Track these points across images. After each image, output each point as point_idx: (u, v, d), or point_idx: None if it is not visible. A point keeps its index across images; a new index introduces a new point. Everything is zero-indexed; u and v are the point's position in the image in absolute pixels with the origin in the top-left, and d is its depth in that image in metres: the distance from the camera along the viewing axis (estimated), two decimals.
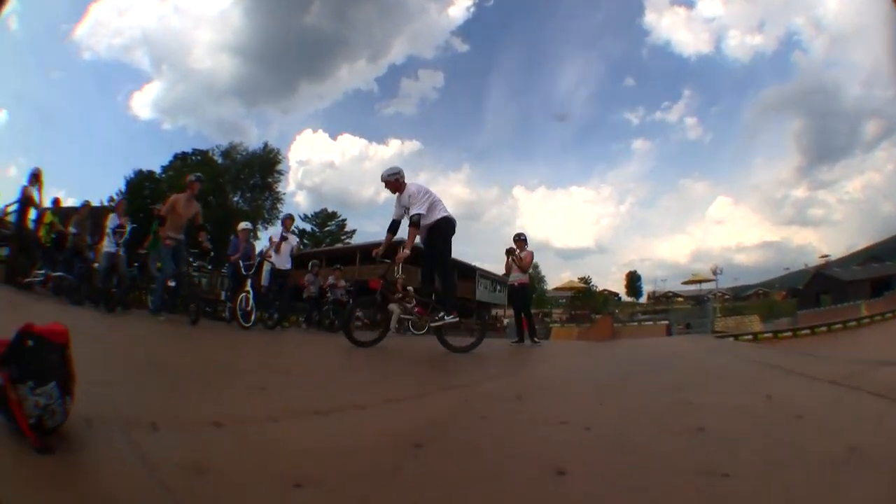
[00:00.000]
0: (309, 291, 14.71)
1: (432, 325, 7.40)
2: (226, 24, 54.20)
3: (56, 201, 13.47)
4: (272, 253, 11.99)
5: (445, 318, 7.43)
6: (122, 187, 39.18)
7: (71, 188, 61.49)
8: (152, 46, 55.12)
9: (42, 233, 12.39)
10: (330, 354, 6.80)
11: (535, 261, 11.77)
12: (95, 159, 55.78)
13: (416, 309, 8.05)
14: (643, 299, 59.15)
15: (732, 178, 57.01)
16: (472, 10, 54.29)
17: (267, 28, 54.92)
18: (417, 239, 7.84)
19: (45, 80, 50.33)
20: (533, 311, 14.28)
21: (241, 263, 11.09)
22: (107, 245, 10.94)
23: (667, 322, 25.91)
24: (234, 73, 56.63)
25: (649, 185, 58.31)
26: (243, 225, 12.11)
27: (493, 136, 60.93)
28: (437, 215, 7.64)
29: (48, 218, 12.64)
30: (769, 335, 14.56)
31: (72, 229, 12.01)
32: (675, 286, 53.76)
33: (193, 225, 10.13)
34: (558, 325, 28.10)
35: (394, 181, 7.81)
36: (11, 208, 15.42)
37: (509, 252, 11.44)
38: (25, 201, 12.04)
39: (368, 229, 66.47)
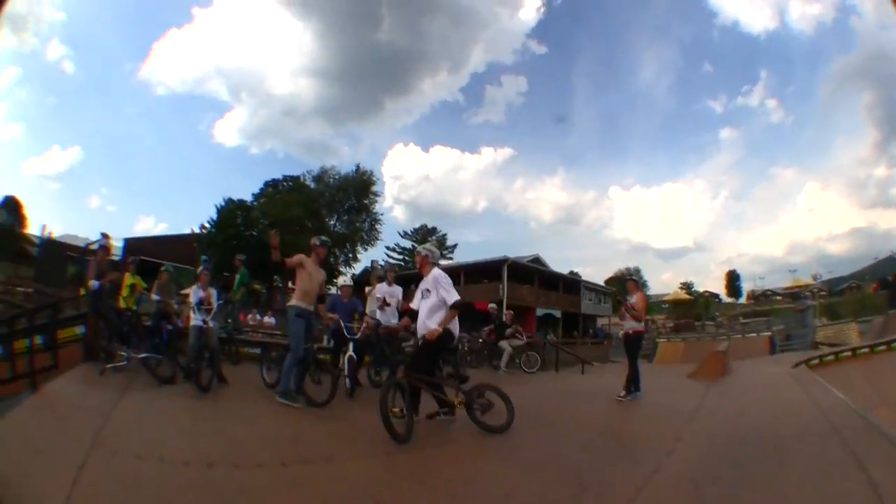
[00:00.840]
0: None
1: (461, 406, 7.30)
2: (299, 48, 56.21)
3: (135, 262, 13.14)
4: (377, 310, 11.41)
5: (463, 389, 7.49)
6: (214, 216, 40.86)
7: (160, 215, 65.12)
8: (227, 77, 58.09)
9: (125, 294, 12.23)
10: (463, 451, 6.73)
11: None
12: (184, 187, 59.19)
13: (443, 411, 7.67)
14: (742, 299, 57.92)
15: (818, 162, 55.69)
16: (542, 10, 54.87)
17: (341, 49, 56.66)
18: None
19: (119, 116, 54.38)
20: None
21: (342, 325, 10.47)
22: (193, 319, 10.51)
23: (769, 334, 25.55)
24: (317, 94, 58.71)
25: (740, 175, 57.39)
26: (345, 281, 11.85)
27: (583, 137, 60.91)
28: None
29: (129, 280, 12.46)
30: (866, 350, 14.57)
31: (154, 296, 11.95)
32: (772, 282, 52.57)
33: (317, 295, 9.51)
34: (664, 340, 27.73)
35: (422, 257, 7.90)
36: (94, 246, 16.21)
37: (621, 302, 11.30)
38: (98, 275, 11.80)
39: (470, 239, 67.55)
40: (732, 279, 57.96)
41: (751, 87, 54.32)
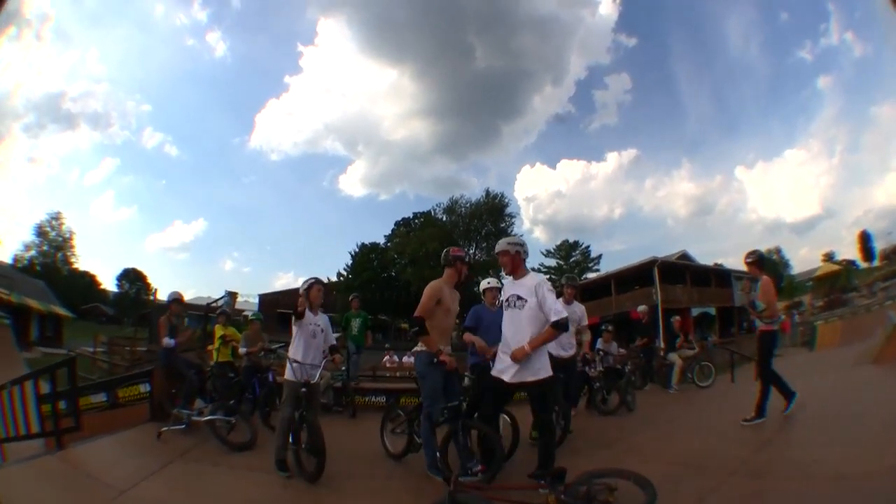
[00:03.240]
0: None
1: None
2: (400, 93, 56.39)
3: (225, 312, 11.94)
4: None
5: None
6: (349, 262, 42.00)
7: (300, 269, 66.07)
8: (338, 133, 58.38)
9: (216, 345, 10.79)
10: None
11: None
12: (320, 241, 59.31)
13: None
14: (876, 261, 53.42)
15: None
16: (618, 1, 52.87)
17: (442, 85, 56.11)
18: None
19: (237, 185, 54.83)
20: (783, 303, 11.01)
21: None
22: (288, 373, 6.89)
23: None
24: (432, 132, 58.26)
25: (848, 125, 52.69)
26: (490, 283, 7.73)
27: (697, 121, 58.14)
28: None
29: (220, 331, 10.92)
30: None
31: (242, 349, 10.34)
32: None
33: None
34: (822, 322, 25.21)
35: (510, 256, 5.72)
36: (220, 302, 15.36)
37: (750, 305, 8.33)
38: (171, 331, 10.00)
39: (613, 248, 64.92)
40: (865, 241, 53.53)
41: (826, 24, 50.39)
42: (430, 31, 53.19)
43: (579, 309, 8.76)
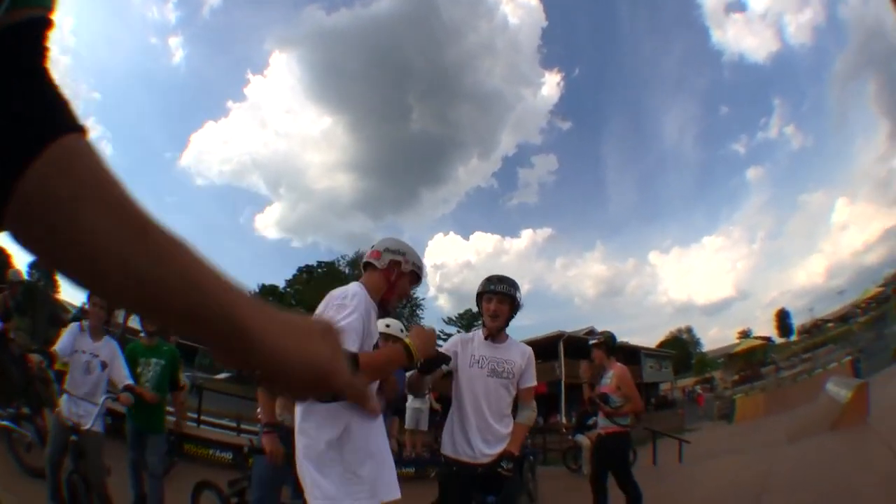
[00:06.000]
0: None
1: None
2: (331, 143, 54.68)
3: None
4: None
5: None
6: None
7: None
8: (264, 170, 56.71)
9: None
10: None
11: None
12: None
13: None
14: (794, 337, 52.99)
15: (843, 175, 52.50)
16: (561, 85, 52.89)
17: (373, 142, 54.99)
18: None
19: (161, 205, 54.25)
20: (690, 379, 8.88)
21: None
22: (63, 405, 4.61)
23: (850, 358, 20.61)
24: (354, 188, 57.25)
25: (773, 213, 54.27)
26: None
27: (618, 207, 58.20)
28: None
29: None
30: None
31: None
32: (820, 311, 47.80)
33: None
34: (741, 395, 22.91)
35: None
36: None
37: (601, 399, 5.72)
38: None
39: (517, 323, 63.85)
40: (783, 318, 52.91)
41: (767, 118, 51.78)
42: (374, 86, 52.76)
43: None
